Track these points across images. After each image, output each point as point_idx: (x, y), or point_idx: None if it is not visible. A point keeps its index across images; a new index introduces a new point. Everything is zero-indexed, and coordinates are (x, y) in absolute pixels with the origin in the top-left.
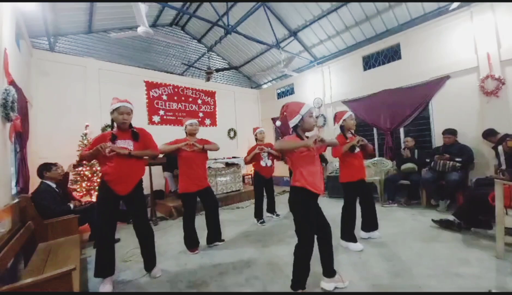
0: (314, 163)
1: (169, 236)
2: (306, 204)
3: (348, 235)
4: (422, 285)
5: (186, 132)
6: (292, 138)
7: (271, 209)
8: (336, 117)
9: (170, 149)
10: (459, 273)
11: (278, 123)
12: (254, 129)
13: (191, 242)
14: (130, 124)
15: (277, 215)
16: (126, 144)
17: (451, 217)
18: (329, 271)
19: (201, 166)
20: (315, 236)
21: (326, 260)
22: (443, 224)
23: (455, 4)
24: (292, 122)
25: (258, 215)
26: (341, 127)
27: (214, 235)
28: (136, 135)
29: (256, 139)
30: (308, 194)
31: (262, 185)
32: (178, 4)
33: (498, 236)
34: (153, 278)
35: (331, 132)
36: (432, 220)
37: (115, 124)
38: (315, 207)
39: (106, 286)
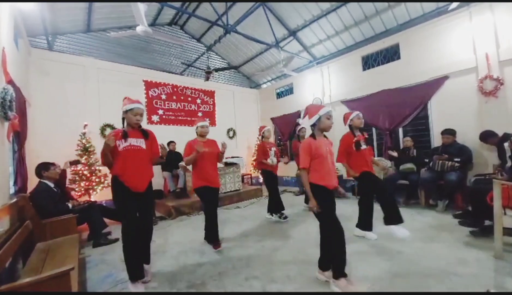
0: (326, 163)
1: (169, 236)
2: (324, 197)
3: (363, 224)
4: (421, 285)
5: (197, 132)
6: (306, 144)
7: (276, 209)
8: (345, 118)
9: (190, 160)
10: (457, 273)
11: (300, 120)
12: (261, 128)
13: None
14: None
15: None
16: (138, 143)
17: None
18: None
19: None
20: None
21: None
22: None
23: (454, 4)
24: (310, 121)
25: (278, 209)
26: (350, 126)
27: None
28: (147, 134)
29: (263, 137)
30: (324, 189)
31: (273, 180)
32: (178, 4)
33: (496, 236)
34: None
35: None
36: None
37: (125, 122)
38: (332, 200)
39: (139, 285)
